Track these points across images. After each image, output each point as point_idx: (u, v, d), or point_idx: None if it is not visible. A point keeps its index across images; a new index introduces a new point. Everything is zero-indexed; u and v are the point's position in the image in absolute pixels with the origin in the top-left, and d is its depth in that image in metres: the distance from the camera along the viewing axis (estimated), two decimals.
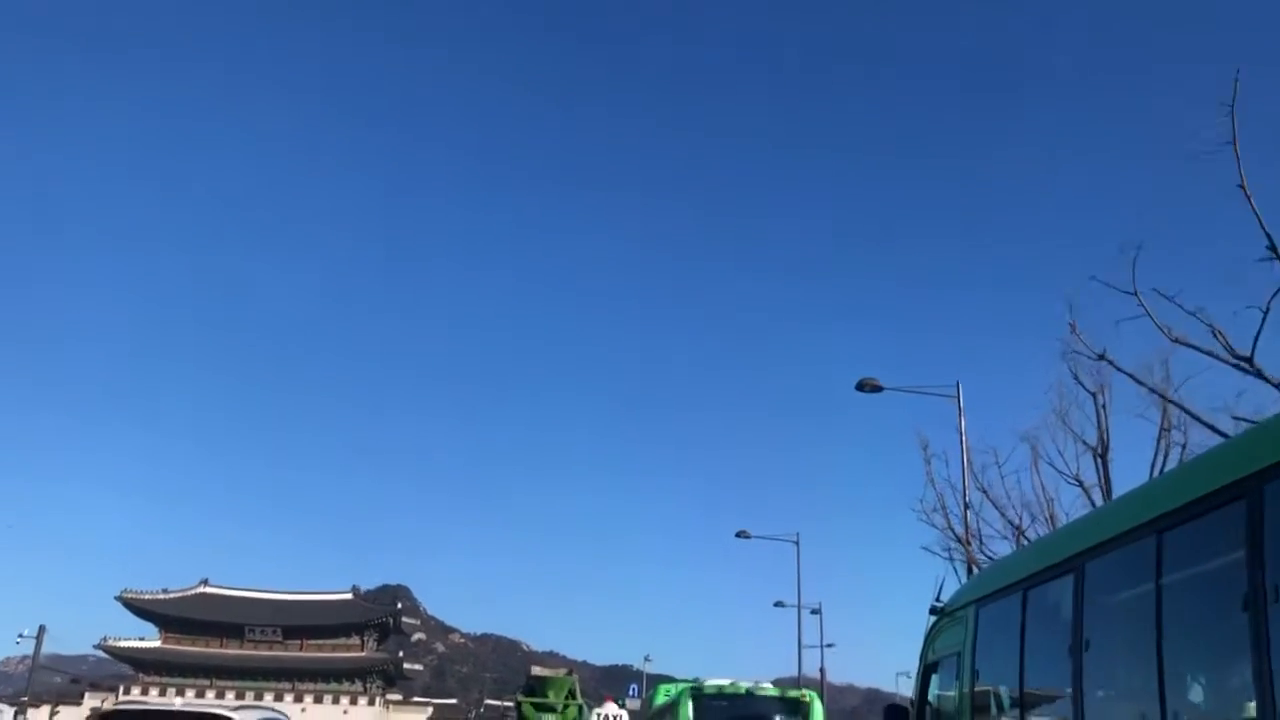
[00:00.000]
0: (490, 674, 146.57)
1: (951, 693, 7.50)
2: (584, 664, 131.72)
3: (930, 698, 8.10)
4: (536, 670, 27.11)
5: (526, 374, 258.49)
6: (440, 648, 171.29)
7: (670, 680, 28.30)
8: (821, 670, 39.71)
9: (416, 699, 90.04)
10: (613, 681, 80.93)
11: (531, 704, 24.91)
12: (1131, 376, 15.37)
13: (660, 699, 28.35)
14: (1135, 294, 13.19)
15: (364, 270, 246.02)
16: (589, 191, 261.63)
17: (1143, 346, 16.33)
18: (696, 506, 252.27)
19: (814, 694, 18.69)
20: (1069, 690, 5.49)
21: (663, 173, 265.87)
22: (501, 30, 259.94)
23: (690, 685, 19.37)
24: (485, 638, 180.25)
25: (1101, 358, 15.62)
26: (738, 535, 36.65)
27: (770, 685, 19.16)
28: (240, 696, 77.71)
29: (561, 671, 27.13)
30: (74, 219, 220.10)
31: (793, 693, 18.61)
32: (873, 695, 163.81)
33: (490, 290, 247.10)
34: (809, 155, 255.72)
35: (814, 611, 39.73)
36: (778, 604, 40.85)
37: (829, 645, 44.17)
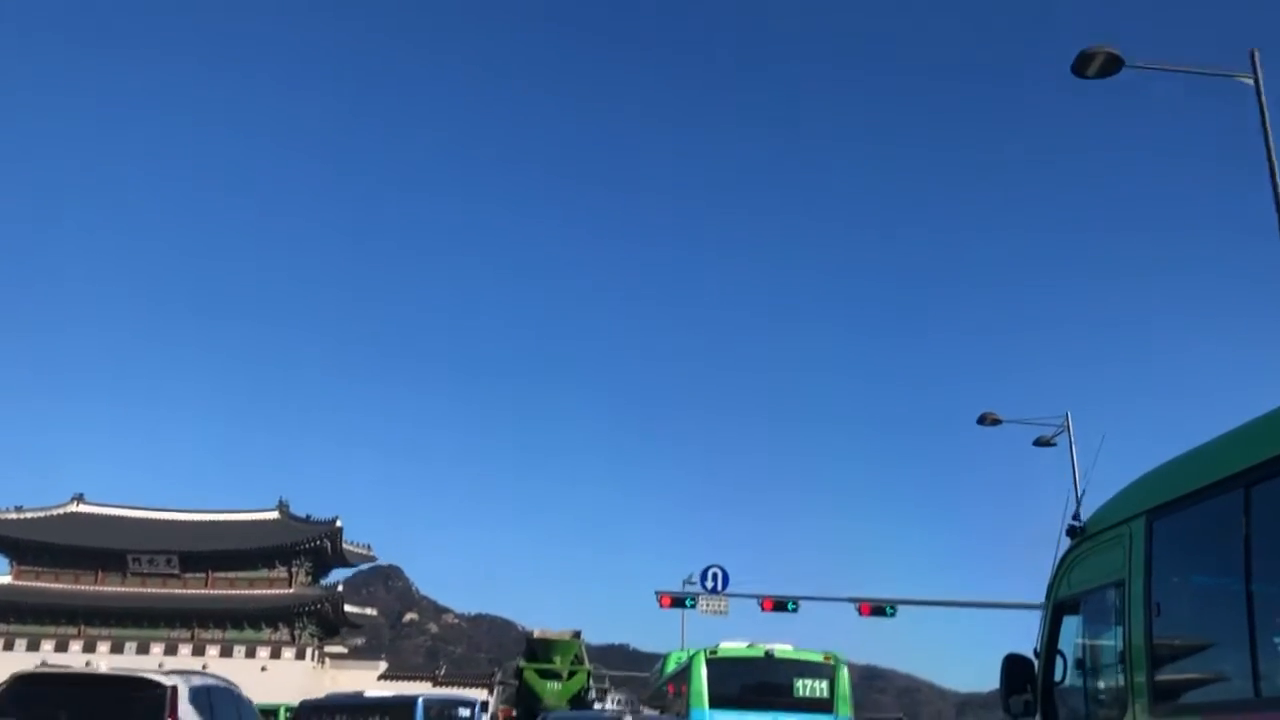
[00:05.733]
0: (485, 654, 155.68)
1: (1107, 639, 6.67)
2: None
3: (1065, 646, 7.29)
4: (539, 633, 27.54)
5: (524, 365, 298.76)
6: (434, 628, 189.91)
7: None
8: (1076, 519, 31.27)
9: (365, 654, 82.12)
10: (608, 662, 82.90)
11: (535, 670, 25.60)
12: None
13: (672, 665, 29.11)
14: None
15: (360, 261, 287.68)
16: (593, 187, 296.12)
17: None
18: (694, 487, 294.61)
19: (839, 655, 19.86)
20: None
21: (666, 167, 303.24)
22: (502, 25, 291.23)
23: (704, 648, 20.19)
24: (480, 618, 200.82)
25: None
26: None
27: (790, 647, 20.22)
28: (118, 647, 69.43)
29: (567, 634, 27.45)
30: None
31: (816, 655, 19.82)
32: (871, 672, 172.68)
33: (491, 281, 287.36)
34: (820, 146, 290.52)
35: (1039, 442, 30.16)
36: (986, 419, 30.66)
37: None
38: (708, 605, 30.92)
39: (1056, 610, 7.35)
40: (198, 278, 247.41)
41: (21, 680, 11.41)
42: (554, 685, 25.32)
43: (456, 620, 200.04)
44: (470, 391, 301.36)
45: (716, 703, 19.50)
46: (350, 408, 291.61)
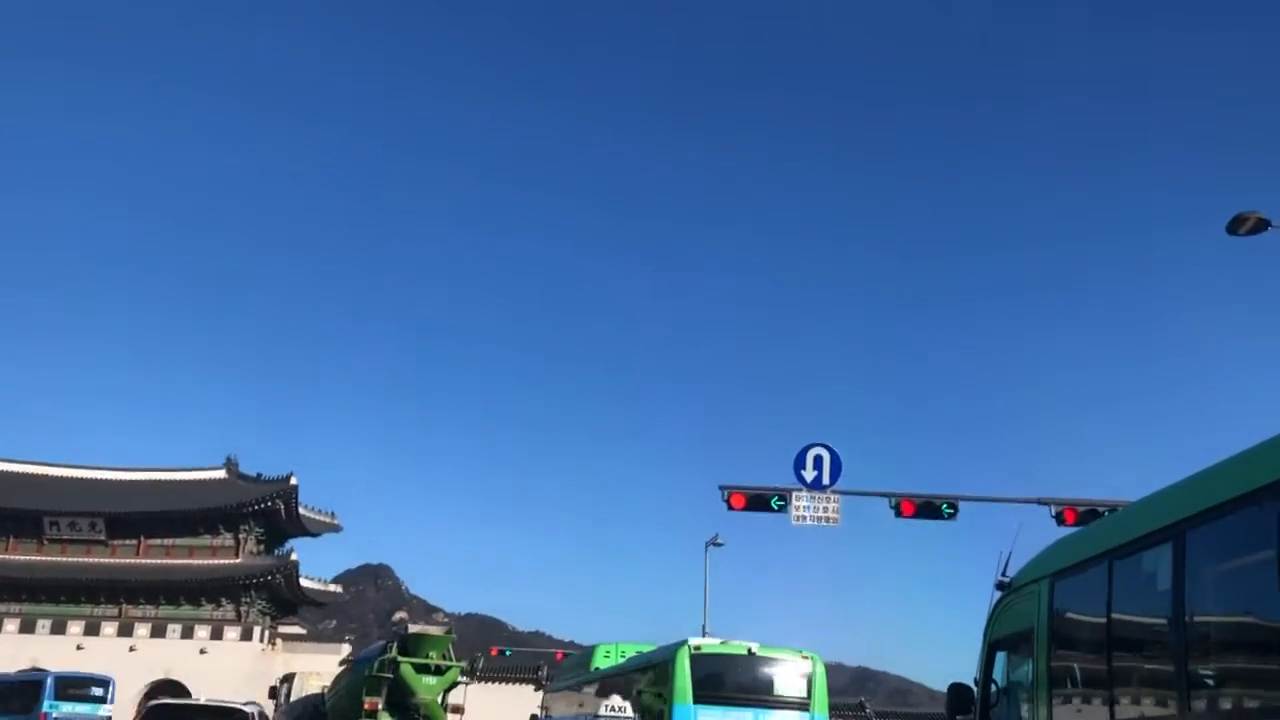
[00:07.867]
0: (476, 653, 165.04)
1: (1023, 671, 8.95)
2: (570, 643, 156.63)
3: (996, 676, 9.64)
4: (414, 628, 29.12)
5: (523, 364, 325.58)
6: None
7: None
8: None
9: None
10: None
11: (411, 664, 27.14)
12: None
13: (600, 660, 30.59)
14: None
15: (359, 266, 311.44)
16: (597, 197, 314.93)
17: None
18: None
19: (815, 655, 21.81)
20: (1165, 665, 6.75)
21: (666, 176, 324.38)
22: (499, 36, 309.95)
23: (685, 643, 21.61)
24: (469, 617, 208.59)
25: None
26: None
27: (767, 646, 21.91)
28: (28, 626, 63.25)
29: (438, 630, 29.19)
30: None
31: (795, 654, 21.81)
32: (863, 674, 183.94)
33: (488, 283, 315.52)
34: (803, 158, 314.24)
35: None
36: (1243, 223, 19.52)
37: None
38: (806, 507, 22.54)
39: (991, 648, 9.78)
40: (189, 271, 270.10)
41: (154, 709, 17.54)
42: (429, 680, 27.63)
43: (446, 619, 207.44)
44: (468, 390, 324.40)
45: (701, 699, 20.66)
46: (350, 407, 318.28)
